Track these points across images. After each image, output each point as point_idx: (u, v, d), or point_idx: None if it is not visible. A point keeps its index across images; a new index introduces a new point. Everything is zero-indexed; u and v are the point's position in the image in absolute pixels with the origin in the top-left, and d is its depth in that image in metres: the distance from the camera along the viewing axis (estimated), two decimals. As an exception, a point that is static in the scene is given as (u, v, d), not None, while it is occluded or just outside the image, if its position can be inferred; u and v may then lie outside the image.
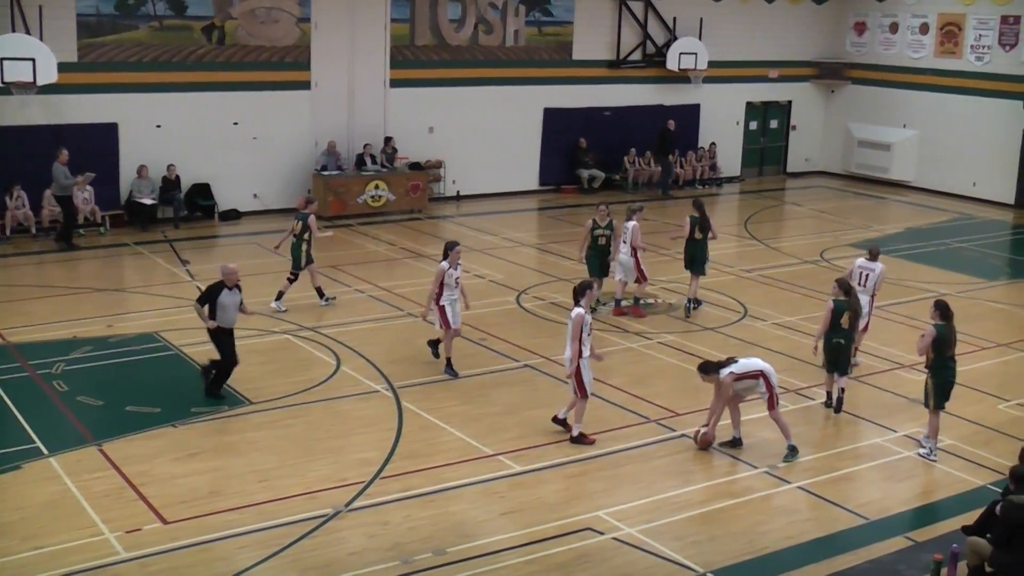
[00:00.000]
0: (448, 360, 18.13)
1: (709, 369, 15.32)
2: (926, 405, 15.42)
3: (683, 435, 15.88)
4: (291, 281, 21.58)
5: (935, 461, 15.23)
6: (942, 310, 15.28)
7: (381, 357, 18.73)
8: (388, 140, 31.34)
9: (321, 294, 21.65)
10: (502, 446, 15.27)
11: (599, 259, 21.63)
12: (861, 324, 18.10)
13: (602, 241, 21.58)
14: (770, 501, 13.87)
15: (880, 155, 38.88)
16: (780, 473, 14.72)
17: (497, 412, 16.59)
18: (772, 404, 15.11)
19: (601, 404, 16.94)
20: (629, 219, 21.58)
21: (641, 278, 21.68)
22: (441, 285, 17.82)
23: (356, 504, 13.38)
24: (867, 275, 18.83)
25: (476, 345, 19.61)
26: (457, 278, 17.96)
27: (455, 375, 17.97)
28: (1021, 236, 31.92)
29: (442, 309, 17.92)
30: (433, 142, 32.60)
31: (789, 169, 41.06)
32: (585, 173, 35.24)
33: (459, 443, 15.35)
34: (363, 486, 13.84)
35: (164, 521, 12.79)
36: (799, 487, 14.31)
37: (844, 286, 16.85)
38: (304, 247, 21.40)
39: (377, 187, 30.36)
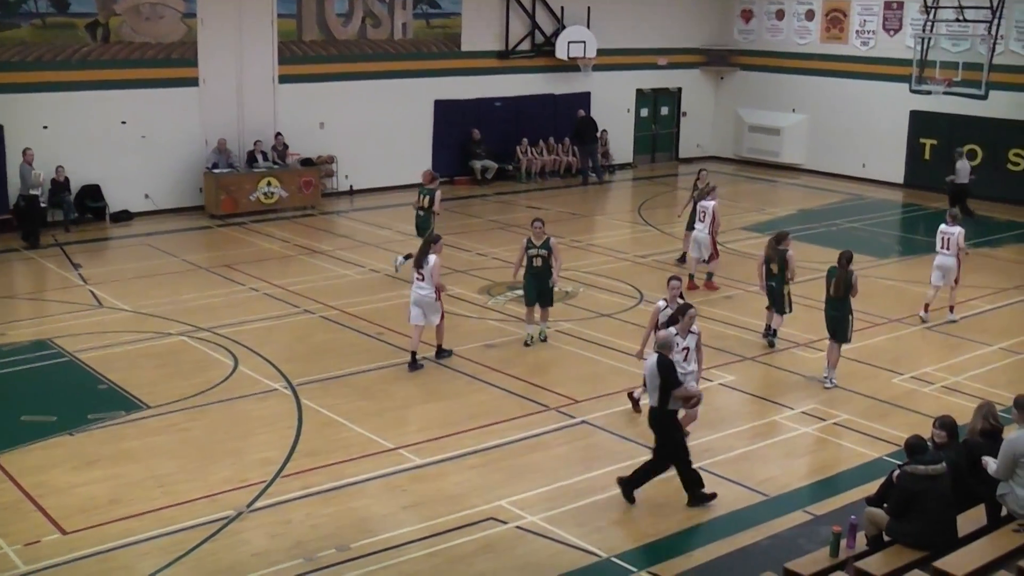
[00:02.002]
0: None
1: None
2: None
3: (583, 422, 16.02)
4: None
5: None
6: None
7: (279, 355, 18.63)
8: (278, 136, 31.10)
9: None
10: (403, 439, 15.29)
11: (536, 284, 19.38)
12: (952, 278, 21.12)
13: (538, 263, 19.26)
14: (671, 483, 14.03)
15: (770, 139, 39.49)
16: (680, 456, 14.93)
17: (397, 406, 16.60)
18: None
19: (501, 394, 17.06)
20: (707, 198, 22.96)
21: (714, 255, 22.99)
22: None
23: (258, 504, 13.31)
24: (947, 239, 21.06)
25: (373, 340, 19.59)
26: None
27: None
28: (911, 215, 32.63)
29: None
30: (324, 137, 32.45)
31: (681, 155, 41.52)
32: (478, 164, 35.30)
33: (359, 438, 15.32)
34: (264, 486, 13.77)
35: (63, 532, 12.58)
36: (699, 468, 14.51)
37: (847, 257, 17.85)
38: (431, 219, 23.31)
39: (269, 184, 30.14)
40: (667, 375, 13.13)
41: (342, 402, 16.65)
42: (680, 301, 15.67)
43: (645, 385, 13.66)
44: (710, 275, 23.27)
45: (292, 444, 15.07)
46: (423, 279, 17.88)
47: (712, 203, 22.96)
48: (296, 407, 16.42)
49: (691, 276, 23.05)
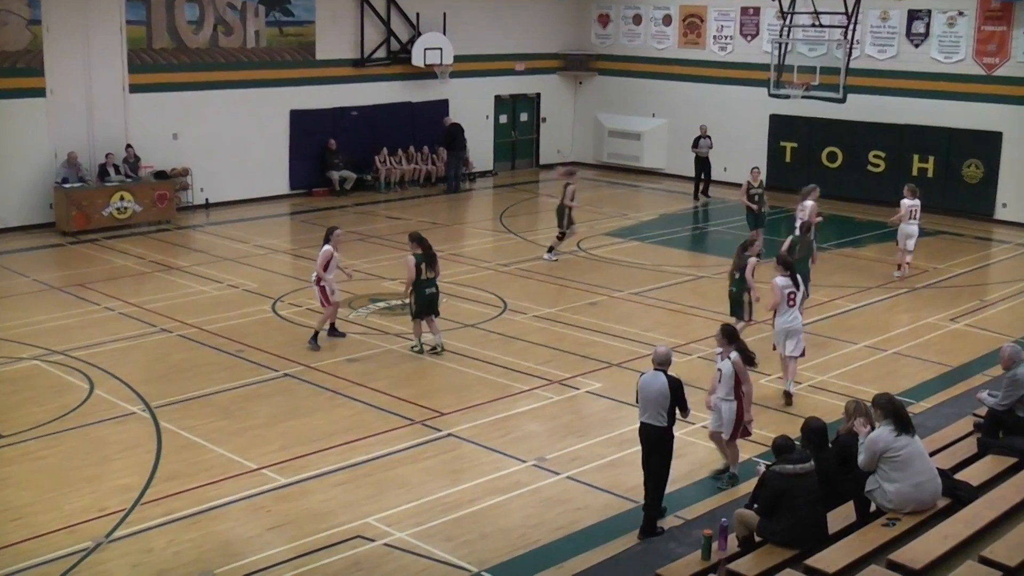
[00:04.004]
0: (332, 328, 20.38)
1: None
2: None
3: (449, 435, 16.06)
4: (560, 239, 26.76)
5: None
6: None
7: (136, 377, 18.32)
8: (129, 148, 30.52)
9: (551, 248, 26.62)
10: (265, 459, 15.16)
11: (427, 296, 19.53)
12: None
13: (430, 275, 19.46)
14: (540, 493, 14.16)
15: (631, 144, 39.95)
16: (548, 465, 15.06)
17: (258, 425, 16.45)
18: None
19: (364, 408, 17.04)
20: (805, 199, 23.27)
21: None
22: (326, 267, 19.66)
23: (118, 534, 13.07)
24: (914, 210, 24.77)
25: (233, 357, 19.39)
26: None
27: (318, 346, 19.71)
28: (772, 218, 33.28)
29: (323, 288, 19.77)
30: (178, 149, 31.96)
31: (542, 161, 41.77)
32: (336, 175, 35.08)
33: (221, 460, 15.16)
34: (124, 514, 13.52)
35: (-91, 570, 12.26)
36: (568, 477, 14.66)
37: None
38: (567, 212, 26.45)
39: (122, 198, 29.56)
40: (678, 394, 13.07)
41: (202, 423, 16.44)
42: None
43: (637, 401, 13.32)
44: None
45: (152, 469, 14.83)
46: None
47: (809, 203, 23.23)
48: (155, 430, 16.16)
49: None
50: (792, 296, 17.49)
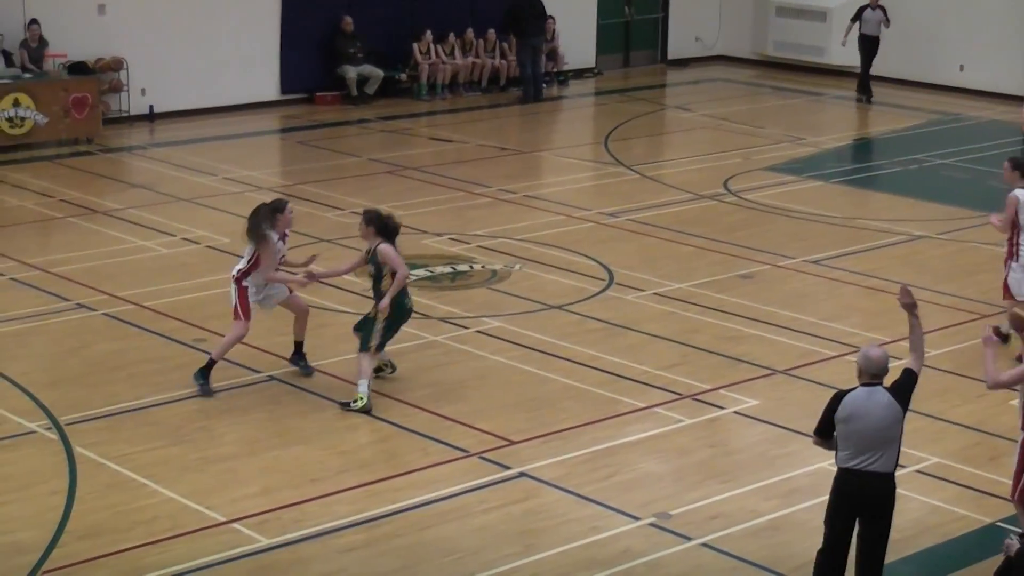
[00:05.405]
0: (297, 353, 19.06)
1: None
2: None
3: (522, 474, 16.01)
4: None
5: None
6: None
7: (37, 378, 18.47)
8: (32, 27, 30.71)
9: None
10: (238, 508, 15.15)
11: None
12: None
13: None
14: (661, 570, 14.12)
15: (811, 28, 39.67)
16: (674, 525, 14.95)
17: (228, 455, 16.49)
18: None
19: (389, 432, 17.11)
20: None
21: None
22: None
23: (6, 619, 13.23)
24: None
25: (190, 349, 19.49)
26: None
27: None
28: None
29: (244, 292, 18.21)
30: (106, 29, 32.19)
31: (671, 55, 41.70)
32: (353, 72, 35.16)
33: (169, 508, 15.17)
34: (16, 589, 13.68)
35: None
36: (704, 544, 14.60)
37: None
38: None
39: (17, 104, 29.81)
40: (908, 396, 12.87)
41: (140, 450, 16.50)
42: None
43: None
44: None
45: (60, 520, 14.89)
46: None
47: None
48: (66, 459, 16.25)
49: None
50: None
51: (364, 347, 17.88)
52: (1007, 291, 19.38)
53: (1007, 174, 19.86)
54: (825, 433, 12.65)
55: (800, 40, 40.00)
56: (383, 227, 17.85)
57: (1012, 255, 19.36)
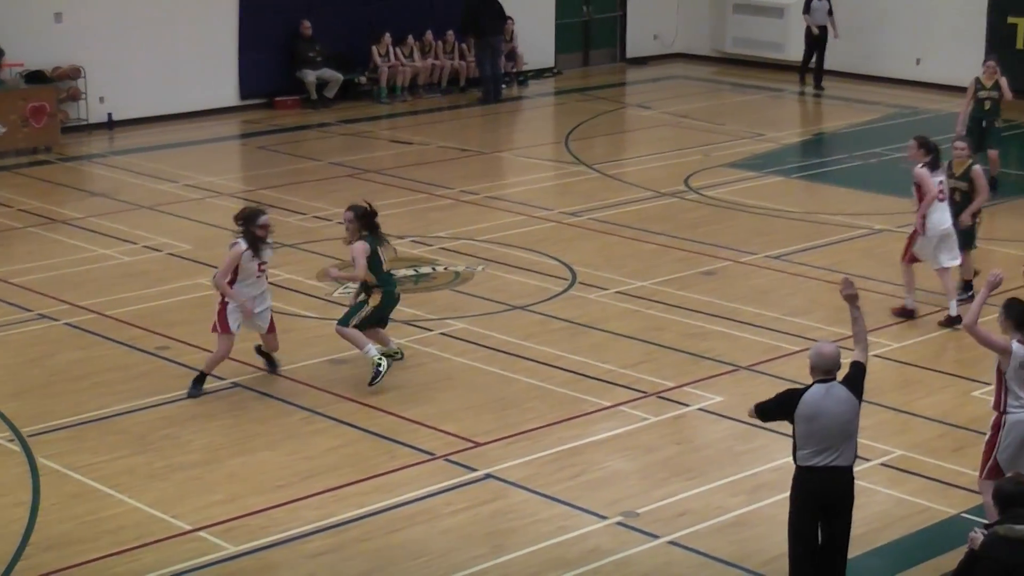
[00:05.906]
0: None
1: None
2: None
3: (488, 476, 16.02)
4: None
5: None
6: None
7: None
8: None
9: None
10: (204, 516, 15.13)
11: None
12: None
13: None
14: (630, 567, 14.12)
15: (768, 25, 39.71)
16: (641, 524, 14.96)
17: (194, 462, 16.44)
18: None
19: (355, 436, 17.10)
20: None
21: None
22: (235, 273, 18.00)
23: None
24: None
25: (153, 358, 19.47)
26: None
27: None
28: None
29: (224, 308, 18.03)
30: (63, 38, 32.09)
31: (629, 53, 41.72)
32: (312, 75, 35.13)
33: (134, 517, 15.13)
34: (-22, 604, 13.65)
35: None
36: (671, 542, 14.61)
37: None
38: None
39: (-27, 113, 29.86)
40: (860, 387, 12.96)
41: (104, 460, 16.46)
42: None
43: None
44: None
45: (24, 531, 14.85)
46: None
47: None
48: (29, 470, 16.20)
49: None
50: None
51: (344, 323, 18.15)
52: (908, 255, 20.83)
53: (912, 152, 21.21)
54: (768, 419, 13.11)
55: (758, 36, 40.04)
56: (364, 216, 18.33)
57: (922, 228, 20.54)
